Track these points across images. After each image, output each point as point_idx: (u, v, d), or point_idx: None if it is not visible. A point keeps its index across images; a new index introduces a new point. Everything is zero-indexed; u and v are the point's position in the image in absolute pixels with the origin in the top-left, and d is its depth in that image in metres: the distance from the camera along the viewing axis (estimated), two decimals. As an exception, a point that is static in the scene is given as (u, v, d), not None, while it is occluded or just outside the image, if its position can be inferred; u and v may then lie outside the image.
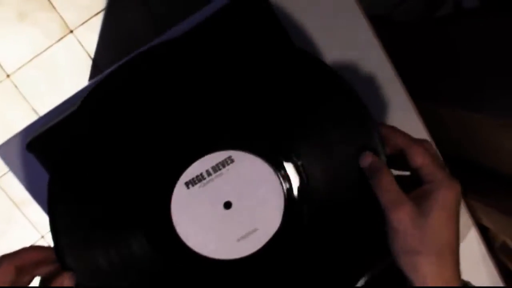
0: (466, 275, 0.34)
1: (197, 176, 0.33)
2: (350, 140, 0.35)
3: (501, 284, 0.49)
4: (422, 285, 0.32)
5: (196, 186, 0.33)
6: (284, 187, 0.35)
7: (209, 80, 0.34)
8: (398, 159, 0.35)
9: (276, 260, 0.36)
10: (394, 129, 0.36)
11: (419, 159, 0.33)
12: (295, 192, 0.35)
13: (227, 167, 0.34)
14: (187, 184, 0.33)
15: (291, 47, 0.39)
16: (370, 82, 0.44)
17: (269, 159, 0.34)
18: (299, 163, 0.35)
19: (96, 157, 0.33)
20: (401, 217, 0.32)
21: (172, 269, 0.34)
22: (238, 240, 0.35)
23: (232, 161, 0.34)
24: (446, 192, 0.32)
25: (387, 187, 0.33)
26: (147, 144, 0.33)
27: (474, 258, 0.47)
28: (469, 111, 0.48)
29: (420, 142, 0.35)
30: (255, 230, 0.35)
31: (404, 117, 0.45)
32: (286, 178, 0.35)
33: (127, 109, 0.33)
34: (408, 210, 0.32)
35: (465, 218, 0.46)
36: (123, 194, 0.33)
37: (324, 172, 0.35)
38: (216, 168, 0.34)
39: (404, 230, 0.32)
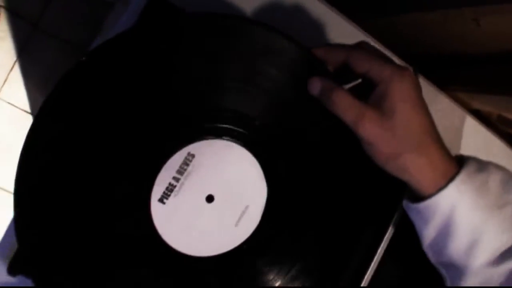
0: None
1: (166, 188, 0.32)
2: (289, 75, 0.33)
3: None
4: (417, 183, 0.31)
5: (171, 198, 0.32)
6: (251, 151, 0.34)
7: (135, 90, 0.32)
8: (345, 72, 0.34)
9: (279, 221, 0.35)
10: (327, 46, 0.34)
11: (361, 64, 0.32)
12: (263, 148, 0.34)
13: (191, 165, 0.32)
14: (160, 200, 0.32)
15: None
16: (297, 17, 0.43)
17: (223, 134, 0.33)
18: (256, 121, 0.34)
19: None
20: (369, 128, 0.31)
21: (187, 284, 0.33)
22: (236, 224, 0.34)
23: (193, 156, 0.32)
24: (399, 84, 0.30)
25: (344, 105, 0.31)
26: (102, 178, 0.32)
27: (478, 143, 0.47)
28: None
29: (357, 46, 0.34)
30: (246, 207, 0.34)
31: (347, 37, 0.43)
32: (249, 142, 0.34)
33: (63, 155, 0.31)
34: (373, 119, 0.30)
35: (455, 110, 0.46)
36: (105, 235, 0.32)
37: (277, 115, 0.34)
38: (181, 170, 0.32)
39: (377, 140, 0.31)
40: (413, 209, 0.32)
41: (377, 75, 0.31)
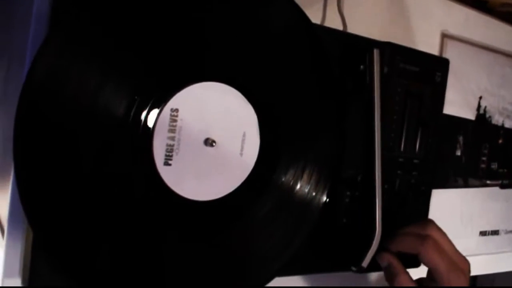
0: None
1: (166, 150, 0.32)
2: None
3: None
4: None
5: (174, 157, 0.32)
6: (227, 83, 0.34)
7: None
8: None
9: (275, 132, 0.37)
10: (398, 240, 0.41)
11: (430, 261, 0.39)
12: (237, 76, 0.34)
13: (179, 119, 0.32)
14: (166, 163, 0.32)
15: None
16: None
17: (196, 77, 0.33)
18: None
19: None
20: None
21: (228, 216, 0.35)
22: (241, 154, 0.35)
23: (177, 110, 0.32)
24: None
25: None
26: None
27: None
28: None
29: (427, 236, 0.39)
30: (244, 134, 0.35)
31: None
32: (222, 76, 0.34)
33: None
34: None
35: None
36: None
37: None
38: (172, 128, 0.32)
39: None
40: None
41: (440, 276, 0.38)
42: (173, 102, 0.32)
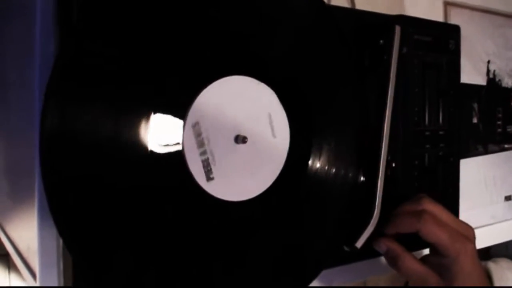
0: None
1: (203, 167, 0.30)
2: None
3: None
4: None
5: (214, 170, 0.30)
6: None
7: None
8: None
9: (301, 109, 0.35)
10: (395, 222, 0.38)
11: (431, 237, 0.36)
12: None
13: (203, 130, 0.30)
14: (208, 179, 0.30)
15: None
16: None
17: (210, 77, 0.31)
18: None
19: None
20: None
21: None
22: (273, 142, 0.34)
23: (197, 123, 0.30)
24: (463, 262, 0.36)
25: (409, 271, 0.37)
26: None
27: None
28: None
29: (424, 212, 0.37)
30: (271, 122, 0.33)
31: None
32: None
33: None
34: (434, 284, 0.37)
35: None
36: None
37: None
38: (200, 143, 0.30)
39: None
40: None
41: (445, 249, 0.36)
42: (191, 118, 0.30)
